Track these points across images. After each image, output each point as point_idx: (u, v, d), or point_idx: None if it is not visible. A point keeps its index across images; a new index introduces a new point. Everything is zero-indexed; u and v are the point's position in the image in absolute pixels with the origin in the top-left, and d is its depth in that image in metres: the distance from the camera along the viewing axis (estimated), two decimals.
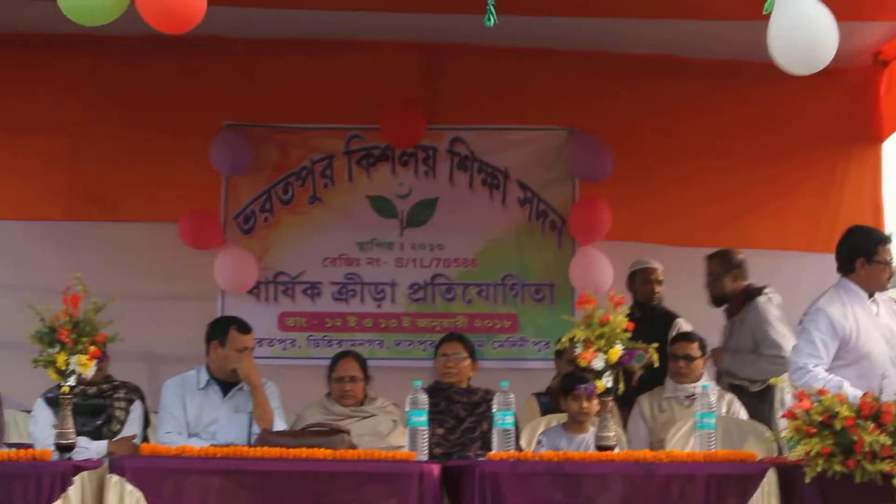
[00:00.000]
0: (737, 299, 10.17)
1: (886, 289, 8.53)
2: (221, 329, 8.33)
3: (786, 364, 8.89)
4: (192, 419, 8.33)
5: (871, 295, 8.37)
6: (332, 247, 11.31)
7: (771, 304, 10.17)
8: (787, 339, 9.77)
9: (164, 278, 11.03)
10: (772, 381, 8.54)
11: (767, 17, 7.02)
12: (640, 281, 10.56)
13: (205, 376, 8.30)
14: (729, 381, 9.94)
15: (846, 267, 8.43)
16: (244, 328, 8.44)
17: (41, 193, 11.26)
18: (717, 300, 10.34)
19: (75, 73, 11.06)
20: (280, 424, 8.25)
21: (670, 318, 10.40)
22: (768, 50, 7.00)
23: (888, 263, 8.42)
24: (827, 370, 8.06)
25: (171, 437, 8.18)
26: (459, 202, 11.56)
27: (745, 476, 7.14)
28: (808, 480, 6.85)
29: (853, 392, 7.45)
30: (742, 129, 11.35)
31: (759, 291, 10.30)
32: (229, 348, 8.23)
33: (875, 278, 8.37)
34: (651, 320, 9.95)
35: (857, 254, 8.37)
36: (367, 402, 8.87)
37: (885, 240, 8.59)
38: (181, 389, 8.33)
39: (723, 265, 10.20)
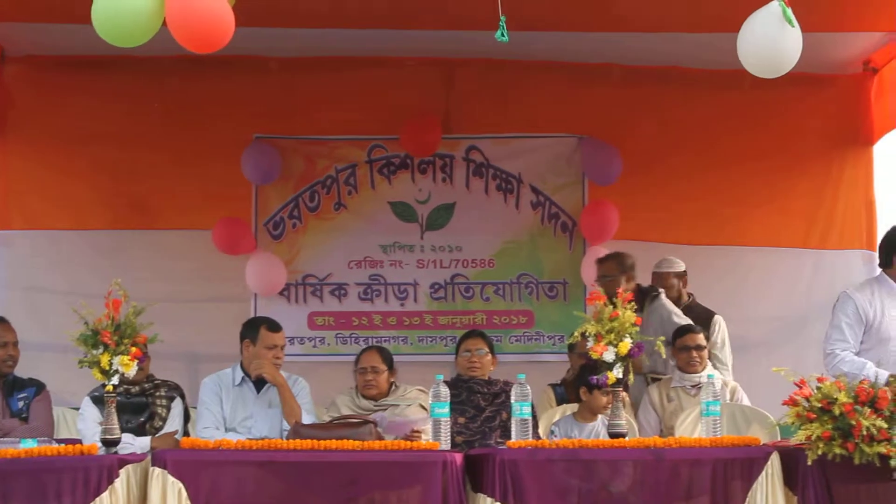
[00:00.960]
0: (635, 300, 10.15)
1: None
2: (253, 329, 8.38)
3: None
4: (228, 415, 8.37)
5: None
6: (356, 250, 11.37)
7: (667, 300, 10.29)
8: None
9: (200, 282, 11.07)
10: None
11: None
12: (661, 284, 10.47)
13: (239, 374, 8.34)
14: (652, 377, 9.95)
15: (885, 260, 8.48)
16: (274, 327, 8.43)
17: (89, 204, 11.31)
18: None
19: (118, 92, 11.10)
20: (308, 419, 8.23)
21: (709, 315, 10.30)
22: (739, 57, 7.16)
23: None
24: (856, 353, 8.13)
25: (208, 431, 8.24)
26: (476, 206, 11.61)
27: (750, 460, 7.14)
28: (809, 463, 6.91)
29: (879, 373, 7.51)
30: (741, 134, 11.38)
31: (654, 290, 10.40)
32: (260, 346, 8.25)
33: None
34: (693, 320, 9.88)
35: (893, 248, 8.33)
36: (392, 393, 8.85)
37: None
38: (217, 387, 8.38)
39: (618, 267, 10.10)
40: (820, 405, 6.95)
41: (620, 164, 11.30)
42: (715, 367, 9.57)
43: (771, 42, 7.11)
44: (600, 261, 10.29)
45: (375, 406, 8.71)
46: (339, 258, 11.49)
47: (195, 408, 8.95)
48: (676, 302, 10.32)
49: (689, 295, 10.55)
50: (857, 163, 11.64)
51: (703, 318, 10.08)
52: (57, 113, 11.15)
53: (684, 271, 10.58)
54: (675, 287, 10.49)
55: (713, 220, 11.51)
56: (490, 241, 11.60)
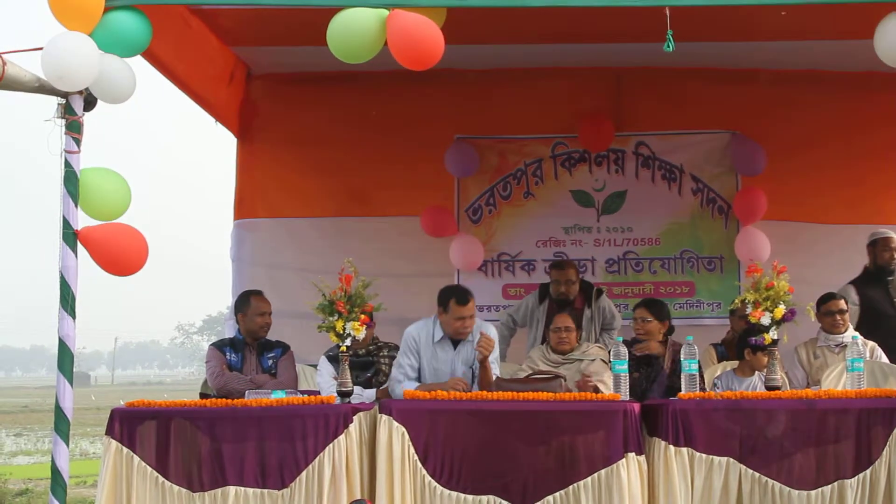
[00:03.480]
0: (580, 298, 10.22)
1: None
2: (444, 299, 8.35)
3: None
4: (425, 365, 8.43)
5: None
6: (543, 231, 11.59)
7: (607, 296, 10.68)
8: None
9: (410, 261, 11.35)
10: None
11: None
12: (881, 248, 10.14)
13: (439, 332, 8.37)
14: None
15: None
16: (462, 300, 8.27)
17: (317, 196, 11.67)
18: (565, 302, 10.16)
19: (342, 102, 11.44)
20: (496, 369, 8.32)
21: None
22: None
23: None
24: None
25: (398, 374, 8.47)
26: (644, 193, 11.73)
27: (892, 409, 7.20)
28: None
29: None
30: (872, 128, 11.33)
31: (598, 289, 10.60)
32: (450, 317, 8.29)
33: None
34: None
35: None
36: (577, 350, 8.90)
37: None
38: (415, 342, 8.45)
39: (577, 274, 10.31)
40: None
41: (764, 158, 11.34)
42: None
43: None
44: (555, 268, 10.41)
45: (563, 359, 8.83)
46: (528, 238, 11.67)
47: None
48: (888, 264, 10.09)
49: None
50: None
51: None
52: (292, 120, 11.56)
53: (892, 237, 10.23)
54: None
55: (849, 201, 11.41)
56: (656, 223, 11.72)
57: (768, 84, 11.34)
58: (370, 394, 8.54)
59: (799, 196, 11.43)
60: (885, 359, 9.20)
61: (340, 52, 7.34)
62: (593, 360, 8.81)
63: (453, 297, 8.36)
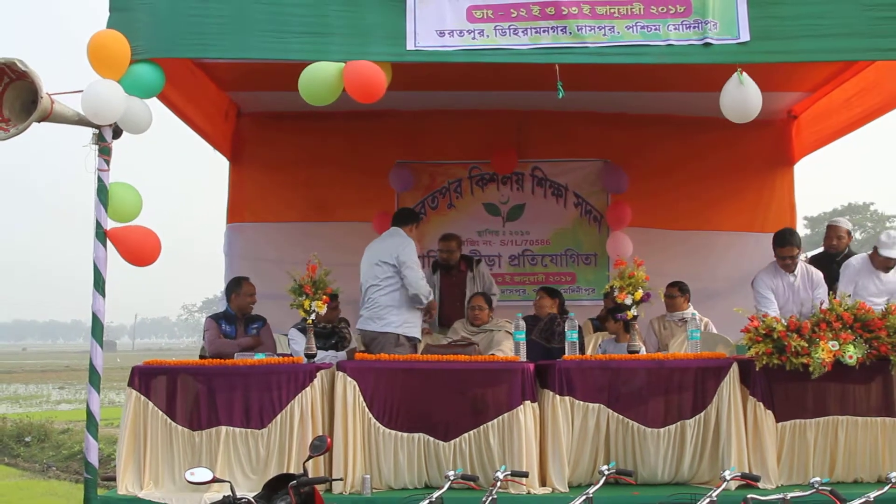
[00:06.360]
0: (460, 265, 10.18)
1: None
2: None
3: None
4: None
5: None
6: (461, 234, 10.95)
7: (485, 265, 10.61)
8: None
9: (361, 254, 10.83)
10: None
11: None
12: (827, 235, 9.74)
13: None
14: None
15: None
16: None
17: (292, 205, 11.49)
18: (448, 266, 10.19)
19: (311, 134, 11.27)
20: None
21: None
22: (721, 109, 7.21)
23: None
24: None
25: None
26: (538, 206, 11.70)
27: (719, 368, 7.37)
28: (757, 369, 7.20)
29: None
30: (711, 158, 11.38)
31: (476, 257, 10.65)
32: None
33: None
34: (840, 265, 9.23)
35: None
36: (490, 323, 9.04)
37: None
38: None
39: (458, 246, 10.22)
40: (764, 332, 7.06)
41: (628, 181, 11.39)
42: None
43: (742, 99, 7.31)
44: (442, 240, 10.27)
45: (478, 330, 8.95)
46: None
47: None
48: (833, 248, 9.63)
49: (846, 246, 9.68)
50: (784, 176, 11.72)
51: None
52: (272, 148, 11.40)
53: (838, 225, 9.82)
54: (844, 240, 9.68)
55: (693, 214, 11.49)
56: (547, 228, 11.68)
57: (632, 124, 11.31)
58: (342, 355, 8.50)
59: (654, 209, 11.41)
60: (714, 329, 9.32)
61: (308, 97, 7.36)
62: (500, 330, 8.89)
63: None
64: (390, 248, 8.54)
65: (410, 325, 8.38)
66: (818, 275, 8.77)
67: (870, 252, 8.72)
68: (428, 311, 8.93)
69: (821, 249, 10.00)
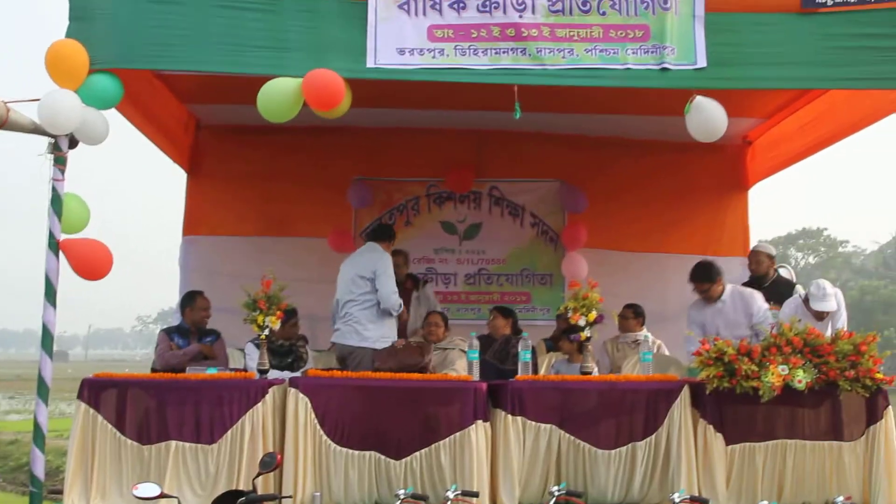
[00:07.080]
0: (412, 283, 10.16)
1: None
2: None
3: None
4: None
5: None
6: (418, 251, 11.37)
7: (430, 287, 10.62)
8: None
9: (316, 270, 10.51)
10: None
11: (682, 114, 7.28)
12: (750, 260, 9.98)
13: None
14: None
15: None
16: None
17: (248, 219, 11.40)
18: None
19: (269, 148, 11.21)
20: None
21: (791, 285, 9.73)
22: (687, 129, 7.22)
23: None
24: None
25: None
26: (495, 225, 11.72)
27: (671, 390, 7.36)
28: (708, 392, 7.20)
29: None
30: (665, 181, 11.46)
31: (424, 279, 10.61)
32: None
33: None
34: (775, 286, 9.51)
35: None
36: (445, 341, 9.01)
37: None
38: None
39: (405, 261, 10.12)
40: (715, 355, 7.07)
41: (585, 201, 11.43)
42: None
43: (706, 119, 7.39)
44: (392, 253, 9.74)
45: (435, 347, 8.83)
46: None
47: (316, 350, 9.29)
48: (757, 272, 9.82)
49: (775, 271, 9.88)
50: (738, 200, 11.86)
51: (786, 289, 9.50)
52: (229, 161, 11.29)
53: (774, 255, 10.01)
54: (765, 264, 9.83)
55: (647, 236, 11.55)
56: (504, 248, 11.70)
57: (589, 146, 11.36)
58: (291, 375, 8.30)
59: (609, 230, 11.43)
60: (667, 351, 9.37)
61: (266, 114, 7.35)
62: (454, 349, 8.87)
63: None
64: (368, 262, 8.67)
65: (387, 339, 8.43)
66: (748, 292, 8.77)
67: (802, 297, 8.70)
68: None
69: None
